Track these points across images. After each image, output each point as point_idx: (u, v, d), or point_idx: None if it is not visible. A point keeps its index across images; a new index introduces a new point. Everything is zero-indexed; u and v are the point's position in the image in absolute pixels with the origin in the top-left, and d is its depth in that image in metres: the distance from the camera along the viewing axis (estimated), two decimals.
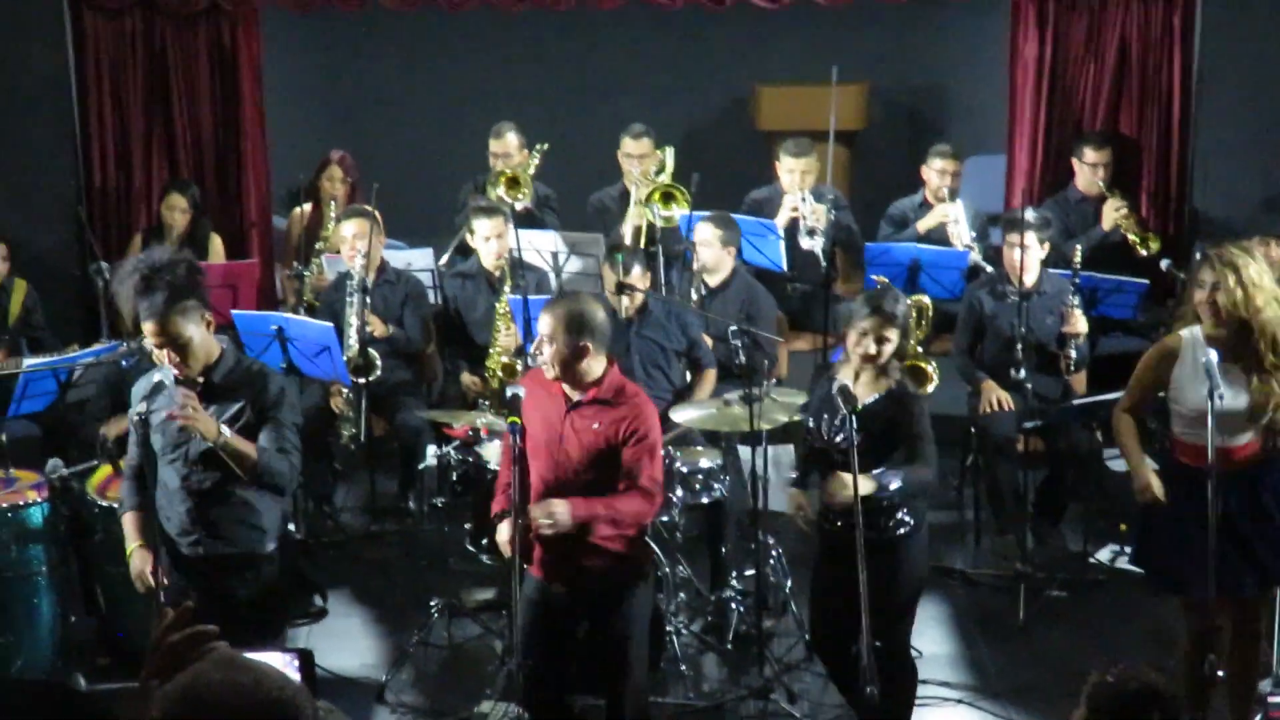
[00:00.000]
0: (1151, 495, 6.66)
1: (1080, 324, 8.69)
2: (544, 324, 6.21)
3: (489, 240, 9.24)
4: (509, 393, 6.14)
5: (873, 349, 6.48)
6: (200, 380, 6.10)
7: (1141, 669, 4.52)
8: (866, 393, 6.50)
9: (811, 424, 6.73)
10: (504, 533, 6.36)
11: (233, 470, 6.12)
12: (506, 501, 6.36)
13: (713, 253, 9.18)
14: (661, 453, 6.43)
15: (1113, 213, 10.02)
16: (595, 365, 6.24)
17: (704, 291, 9.21)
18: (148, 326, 6.03)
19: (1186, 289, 6.73)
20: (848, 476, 6.16)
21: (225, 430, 6.00)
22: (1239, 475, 6.54)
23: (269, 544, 6.35)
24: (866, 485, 6.25)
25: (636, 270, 8.50)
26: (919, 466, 6.47)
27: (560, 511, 6.12)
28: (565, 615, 6.44)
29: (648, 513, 6.33)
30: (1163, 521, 6.73)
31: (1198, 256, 7.22)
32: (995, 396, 8.89)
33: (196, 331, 6.06)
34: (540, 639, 6.40)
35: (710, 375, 8.82)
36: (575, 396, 6.26)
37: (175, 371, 6.04)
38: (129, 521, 6.40)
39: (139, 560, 6.31)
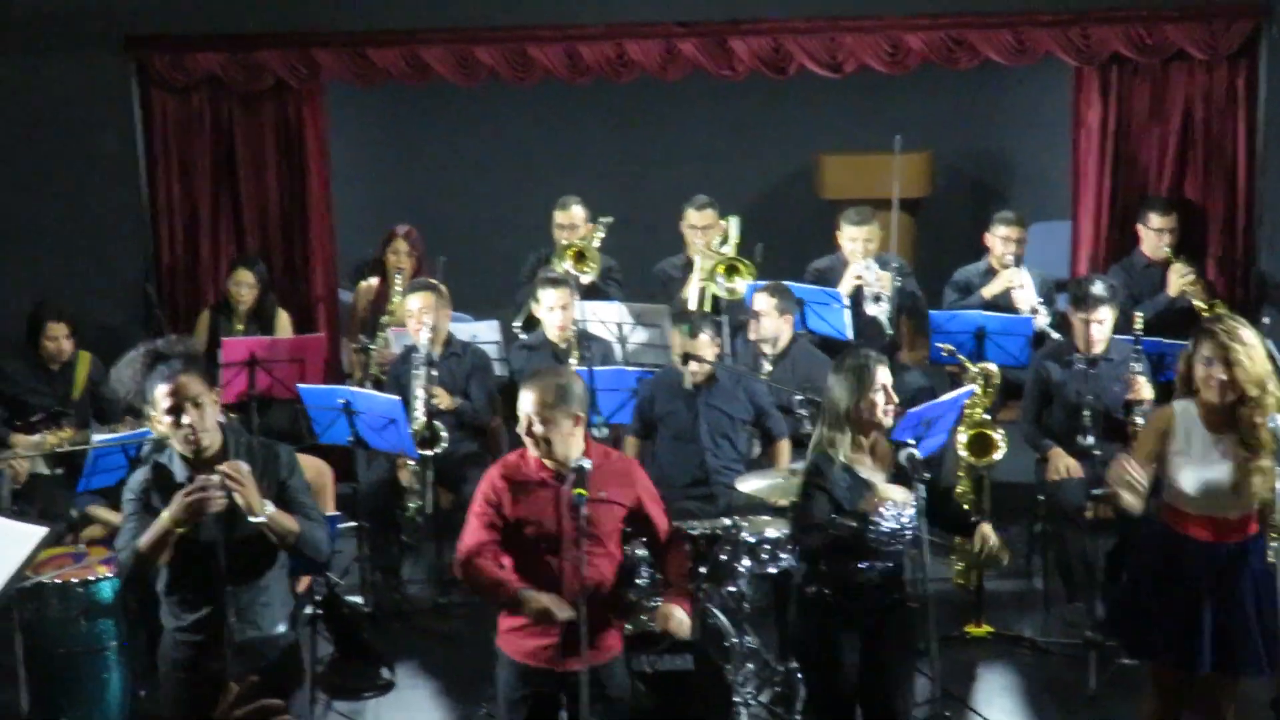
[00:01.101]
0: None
1: (1145, 390, 8.60)
2: (528, 403, 6.04)
3: (554, 311, 9.28)
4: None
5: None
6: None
7: None
8: (888, 464, 6.36)
9: (855, 523, 6.16)
10: (540, 600, 6.04)
11: (244, 554, 5.95)
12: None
13: (772, 322, 9.17)
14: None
15: (1179, 279, 9.93)
16: (581, 435, 6.17)
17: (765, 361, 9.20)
18: (163, 389, 5.79)
19: (1184, 360, 6.60)
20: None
21: (269, 505, 5.86)
22: (1228, 549, 6.43)
23: (278, 626, 6.14)
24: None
25: (705, 337, 8.49)
26: None
27: (681, 617, 6.19)
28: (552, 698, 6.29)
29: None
30: (1142, 585, 6.68)
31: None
32: (1063, 464, 8.84)
33: (209, 398, 5.90)
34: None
35: (784, 446, 8.77)
36: (565, 473, 6.07)
37: (186, 447, 5.86)
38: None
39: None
